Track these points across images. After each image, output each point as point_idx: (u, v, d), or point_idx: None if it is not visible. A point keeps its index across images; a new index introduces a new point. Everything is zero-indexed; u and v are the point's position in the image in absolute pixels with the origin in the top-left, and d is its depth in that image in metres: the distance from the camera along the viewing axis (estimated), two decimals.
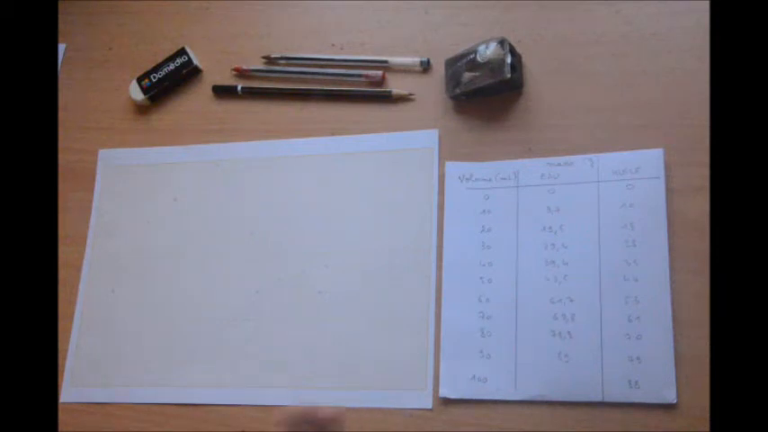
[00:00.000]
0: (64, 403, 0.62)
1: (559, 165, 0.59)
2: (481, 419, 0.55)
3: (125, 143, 0.70)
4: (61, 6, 0.74)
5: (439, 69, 0.65)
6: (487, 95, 0.62)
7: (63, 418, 0.61)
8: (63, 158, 0.69)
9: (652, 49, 0.61)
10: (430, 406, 0.56)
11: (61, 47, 0.74)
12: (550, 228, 0.58)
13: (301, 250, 0.62)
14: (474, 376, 0.56)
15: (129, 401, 0.61)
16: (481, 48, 0.61)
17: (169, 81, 0.70)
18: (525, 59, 0.63)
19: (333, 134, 0.65)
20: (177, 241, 0.65)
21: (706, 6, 0.60)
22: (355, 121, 0.65)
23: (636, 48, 0.61)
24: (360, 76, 0.66)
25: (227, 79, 0.70)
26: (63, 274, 0.66)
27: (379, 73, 0.66)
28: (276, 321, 0.61)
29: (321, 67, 0.68)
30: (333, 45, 0.68)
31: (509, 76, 0.60)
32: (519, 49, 0.62)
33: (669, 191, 0.56)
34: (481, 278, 0.58)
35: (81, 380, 0.62)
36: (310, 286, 0.61)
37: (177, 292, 0.64)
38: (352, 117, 0.65)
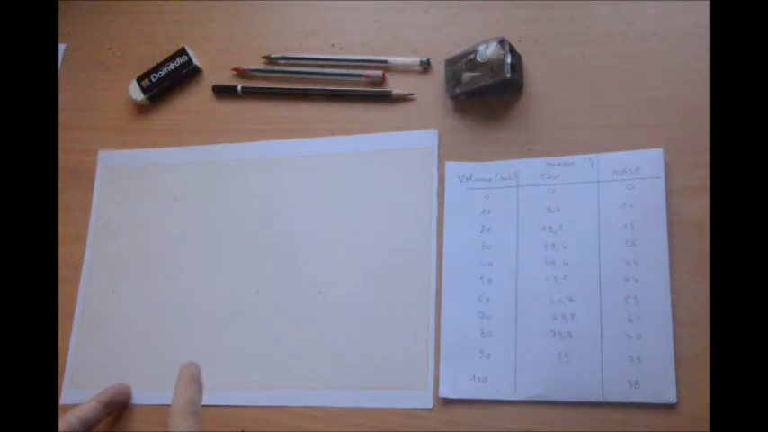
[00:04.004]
0: (64, 405, 0.62)
1: (559, 165, 0.59)
2: (482, 419, 0.55)
3: (125, 143, 0.70)
4: (61, 6, 0.74)
5: (439, 69, 0.65)
6: (487, 95, 0.62)
7: None
8: (63, 158, 0.69)
9: (652, 49, 0.61)
10: (431, 405, 0.56)
11: (61, 47, 0.74)
12: (550, 228, 0.58)
13: (301, 250, 0.62)
14: (474, 376, 0.56)
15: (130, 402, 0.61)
16: (481, 48, 0.61)
17: (169, 81, 0.70)
18: (525, 59, 0.63)
19: (333, 134, 0.65)
20: (177, 241, 0.65)
21: (706, 6, 0.60)
22: (355, 121, 0.65)
23: (636, 48, 0.61)
24: (360, 76, 0.66)
25: (227, 79, 0.70)
26: (63, 274, 0.66)
27: (379, 73, 0.66)
28: (276, 321, 0.61)
29: (321, 67, 0.68)
30: (333, 45, 0.68)
31: (509, 76, 0.60)
32: (519, 49, 0.62)
33: (669, 191, 0.56)
34: (481, 278, 0.58)
35: (81, 381, 0.62)
36: (310, 286, 0.61)
37: (177, 293, 0.64)
38: (352, 117, 0.65)
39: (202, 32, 0.72)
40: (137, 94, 0.70)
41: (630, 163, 0.57)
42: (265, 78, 0.69)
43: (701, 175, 0.56)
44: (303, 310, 0.61)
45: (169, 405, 0.60)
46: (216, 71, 0.70)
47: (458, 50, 0.63)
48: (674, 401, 0.52)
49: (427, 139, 0.63)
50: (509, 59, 0.60)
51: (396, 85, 0.66)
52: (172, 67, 0.70)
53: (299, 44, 0.69)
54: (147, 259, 0.65)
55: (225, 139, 0.67)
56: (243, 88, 0.68)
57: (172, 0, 0.74)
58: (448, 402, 0.56)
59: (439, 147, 0.62)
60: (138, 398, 0.61)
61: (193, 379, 0.54)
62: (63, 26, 0.75)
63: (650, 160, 0.57)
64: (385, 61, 0.66)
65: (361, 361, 0.58)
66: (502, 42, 0.61)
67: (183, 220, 0.66)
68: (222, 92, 0.69)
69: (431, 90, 0.65)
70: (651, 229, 0.55)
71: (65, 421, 0.54)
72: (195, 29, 0.72)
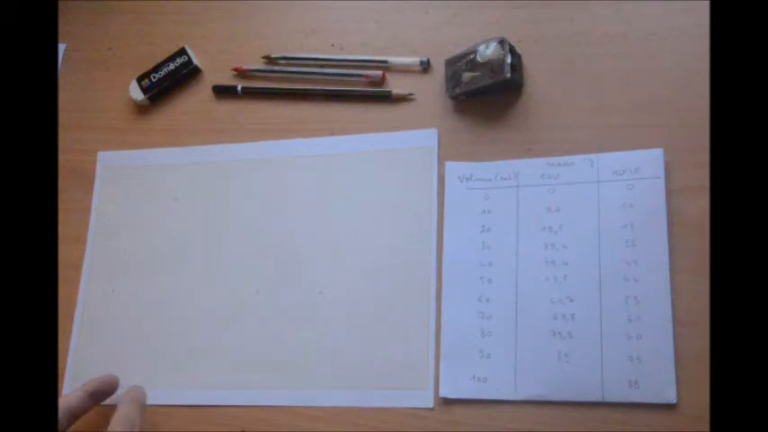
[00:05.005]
0: None
1: (559, 165, 0.59)
2: (482, 419, 0.55)
3: (125, 143, 0.70)
4: (61, 6, 0.74)
5: (439, 69, 0.65)
6: (487, 95, 0.62)
7: None
8: (63, 159, 0.69)
9: (652, 49, 0.61)
10: (431, 405, 0.56)
11: (61, 47, 0.74)
12: (550, 228, 0.58)
13: (301, 250, 0.62)
14: (474, 376, 0.56)
15: None
16: (481, 48, 0.61)
17: (169, 81, 0.70)
18: (525, 59, 0.63)
19: (332, 134, 0.65)
20: (177, 241, 0.65)
21: (706, 6, 0.60)
22: (355, 121, 0.65)
23: (636, 48, 0.61)
24: (360, 76, 0.66)
25: (227, 79, 0.70)
26: (63, 274, 0.66)
27: (379, 73, 0.66)
28: (276, 321, 0.61)
29: (321, 67, 0.68)
30: (333, 45, 0.68)
31: (509, 76, 0.60)
32: (519, 49, 0.62)
33: (669, 191, 0.56)
34: (481, 278, 0.58)
35: (82, 380, 0.62)
36: (310, 286, 0.61)
37: (177, 293, 0.64)
38: (352, 117, 0.65)
39: (202, 32, 0.72)
40: (137, 94, 0.70)
41: (630, 163, 0.57)
42: (265, 78, 0.69)
43: (700, 175, 0.56)
44: (303, 310, 0.61)
45: (169, 405, 0.61)
46: (216, 71, 0.70)
47: (458, 50, 0.63)
48: (674, 401, 0.52)
49: (427, 138, 0.63)
50: (509, 59, 0.60)
51: (396, 85, 0.66)
52: (172, 67, 0.70)
53: (299, 44, 0.69)
54: (147, 259, 0.65)
55: (225, 139, 0.67)
56: (243, 88, 0.68)
57: (172, 0, 0.74)
58: (448, 402, 0.56)
59: (439, 147, 0.62)
60: None
61: (135, 399, 0.58)
62: (63, 26, 0.75)
63: (650, 160, 0.57)
64: (385, 61, 0.66)
65: (361, 361, 0.58)
66: (502, 42, 0.61)
67: (183, 220, 0.66)
68: (222, 92, 0.69)
69: (431, 90, 0.65)
70: (651, 229, 0.55)
71: None
72: (195, 29, 0.72)
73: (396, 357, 0.58)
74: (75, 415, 0.57)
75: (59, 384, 0.63)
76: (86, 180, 0.69)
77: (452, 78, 0.63)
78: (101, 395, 0.59)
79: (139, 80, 0.70)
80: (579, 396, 0.53)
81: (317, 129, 0.66)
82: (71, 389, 0.63)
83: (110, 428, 0.55)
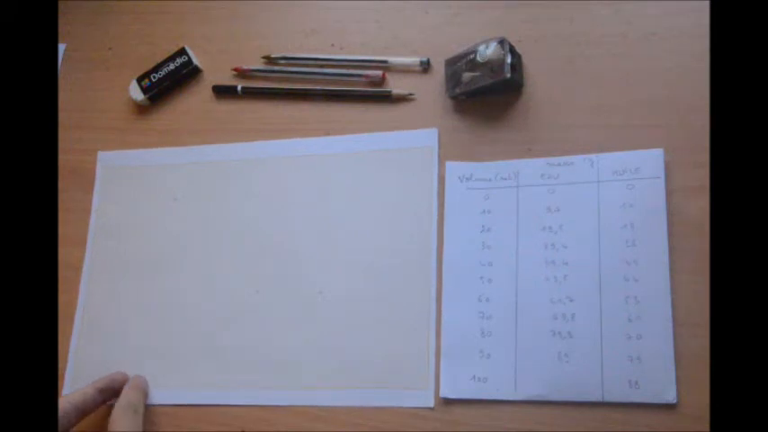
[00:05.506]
0: None
1: (559, 165, 0.59)
2: (482, 419, 0.55)
3: (125, 143, 0.70)
4: (61, 6, 0.74)
5: (439, 69, 0.65)
6: (487, 95, 0.62)
7: None
8: (63, 159, 0.69)
9: (652, 49, 0.61)
10: (432, 405, 0.56)
11: (61, 47, 0.74)
12: (550, 228, 0.58)
13: (301, 250, 0.62)
14: (474, 376, 0.56)
15: None
16: (481, 48, 0.61)
17: (169, 81, 0.70)
18: (525, 59, 0.63)
19: (332, 134, 0.65)
20: (177, 241, 0.65)
21: (706, 6, 0.60)
22: (355, 121, 0.65)
23: (636, 48, 0.61)
24: (360, 76, 0.66)
25: (227, 79, 0.70)
26: (63, 274, 0.66)
27: (379, 73, 0.66)
28: (276, 321, 0.61)
29: (321, 67, 0.68)
30: (333, 45, 0.68)
31: (509, 76, 0.60)
32: (519, 49, 0.62)
33: (669, 191, 0.56)
34: (481, 278, 0.58)
35: (81, 382, 0.62)
36: (310, 286, 0.61)
37: (177, 293, 0.64)
38: (351, 117, 0.65)
39: (202, 32, 0.72)
40: (137, 94, 0.70)
41: (630, 163, 0.57)
42: (265, 78, 0.69)
43: (700, 175, 0.56)
44: (303, 310, 0.61)
45: (169, 405, 0.61)
46: (216, 71, 0.70)
47: (458, 50, 0.63)
48: (674, 401, 0.52)
49: (427, 138, 0.63)
50: (509, 59, 0.60)
51: (396, 85, 0.66)
52: (172, 67, 0.70)
53: (299, 44, 0.69)
54: (147, 259, 0.65)
55: (225, 139, 0.67)
56: (243, 88, 0.68)
57: (172, 0, 0.74)
58: (448, 402, 0.56)
59: (439, 147, 0.62)
60: None
61: (137, 386, 0.60)
62: (63, 26, 0.75)
63: (650, 160, 0.57)
64: (385, 61, 0.66)
65: (362, 361, 0.58)
66: (502, 42, 0.61)
67: (183, 220, 0.66)
68: (222, 92, 0.69)
69: (431, 90, 0.65)
70: (651, 229, 0.55)
71: (59, 407, 0.55)
72: (195, 29, 0.72)
73: (396, 357, 0.58)
74: (83, 411, 0.57)
75: (59, 385, 0.63)
76: (86, 180, 0.69)
77: (452, 78, 0.63)
78: (110, 392, 0.60)
79: (139, 80, 0.70)
80: (579, 396, 0.54)
81: (317, 129, 0.66)
82: (71, 390, 0.63)
83: (114, 413, 0.57)
